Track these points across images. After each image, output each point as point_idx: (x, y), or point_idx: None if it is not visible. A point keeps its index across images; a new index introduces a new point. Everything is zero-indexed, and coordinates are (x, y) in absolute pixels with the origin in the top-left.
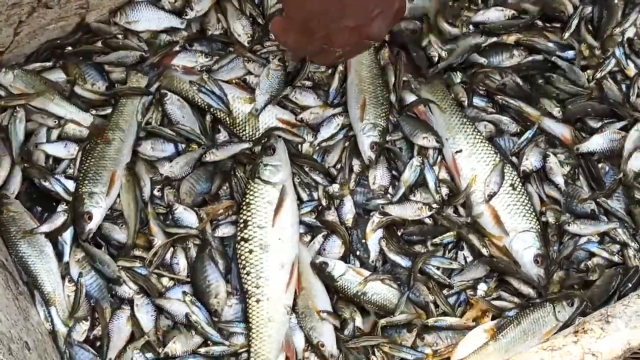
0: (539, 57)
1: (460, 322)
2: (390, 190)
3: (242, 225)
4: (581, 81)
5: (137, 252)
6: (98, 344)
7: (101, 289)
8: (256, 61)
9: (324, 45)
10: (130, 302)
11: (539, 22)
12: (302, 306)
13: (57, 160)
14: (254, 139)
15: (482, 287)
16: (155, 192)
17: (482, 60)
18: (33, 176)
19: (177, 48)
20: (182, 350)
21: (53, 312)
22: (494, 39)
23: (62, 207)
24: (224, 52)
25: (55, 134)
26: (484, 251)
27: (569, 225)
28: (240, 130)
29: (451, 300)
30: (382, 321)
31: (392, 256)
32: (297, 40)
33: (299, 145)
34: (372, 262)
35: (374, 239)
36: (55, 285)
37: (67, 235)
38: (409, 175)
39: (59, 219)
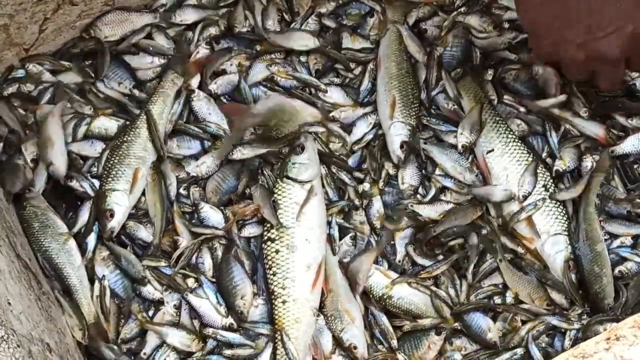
0: None
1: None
2: (420, 190)
3: (268, 225)
4: None
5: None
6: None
7: (126, 289)
8: (280, 63)
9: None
10: (159, 302)
11: None
12: (330, 308)
13: (83, 158)
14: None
15: (510, 294)
16: (181, 191)
17: (513, 56)
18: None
19: (201, 52)
20: None
21: (81, 305)
22: (525, 35)
23: (87, 205)
24: (251, 50)
25: (82, 131)
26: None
27: (603, 224)
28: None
29: None
30: (407, 326)
31: (420, 260)
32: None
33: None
34: (399, 261)
35: (401, 238)
36: (81, 279)
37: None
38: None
39: (85, 216)
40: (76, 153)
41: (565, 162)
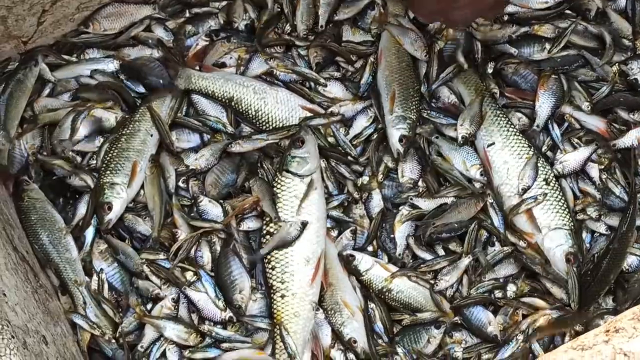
0: (572, 52)
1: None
2: (420, 183)
3: (267, 219)
4: (609, 77)
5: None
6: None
7: (124, 282)
8: (280, 57)
9: None
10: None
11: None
12: (330, 302)
13: (82, 154)
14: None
15: (511, 288)
16: (180, 184)
17: (513, 50)
18: (59, 172)
19: (200, 45)
20: None
21: (76, 299)
22: (525, 29)
23: (85, 198)
24: (250, 43)
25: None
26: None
27: (603, 218)
28: (263, 123)
29: None
30: (407, 320)
31: (420, 253)
32: None
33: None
34: (399, 255)
35: (401, 231)
36: (77, 272)
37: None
38: None
39: (83, 210)
40: (75, 150)
41: None
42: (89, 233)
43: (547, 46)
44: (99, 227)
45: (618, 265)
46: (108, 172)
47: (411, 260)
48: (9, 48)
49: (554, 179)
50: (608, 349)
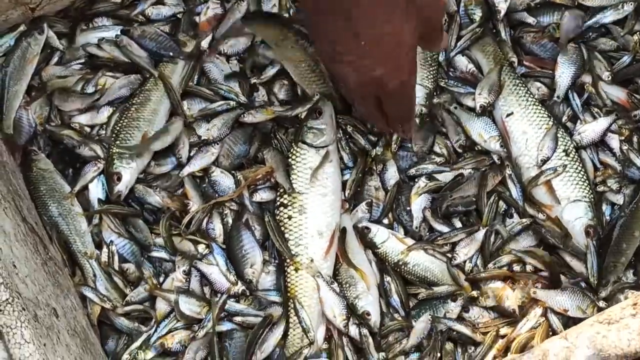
0: (592, 21)
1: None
2: (437, 149)
3: (281, 191)
4: (630, 46)
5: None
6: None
7: (135, 254)
8: None
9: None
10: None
11: None
12: (345, 276)
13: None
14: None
15: (529, 261)
16: (192, 154)
17: (532, 20)
18: (67, 142)
19: (211, 11)
20: None
21: (86, 272)
22: None
23: (91, 165)
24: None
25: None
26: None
27: (624, 190)
28: None
29: None
30: (423, 294)
31: (437, 226)
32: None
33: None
34: (416, 228)
35: (417, 204)
36: (86, 244)
37: (96, 197)
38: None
39: (88, 174)
40: (85, 124)
41: None
42: (95, 205)
43: (567, 14)
44: (110, 197)
45: (632, 235)
46: (117, 141)
47: (428, 233)
48: (16, 15)
49: (574, 150)
50: (636, 322)
